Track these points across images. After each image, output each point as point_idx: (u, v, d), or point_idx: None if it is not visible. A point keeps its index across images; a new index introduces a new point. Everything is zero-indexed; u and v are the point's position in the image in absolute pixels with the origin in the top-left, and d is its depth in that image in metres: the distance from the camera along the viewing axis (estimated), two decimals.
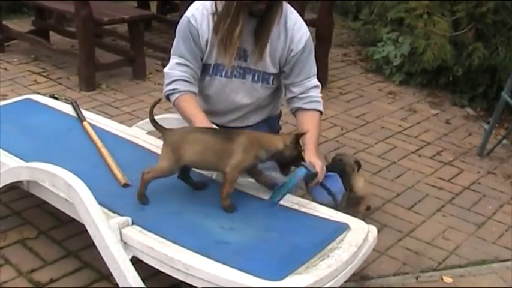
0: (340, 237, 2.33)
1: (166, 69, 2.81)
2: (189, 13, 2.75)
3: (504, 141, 4.19)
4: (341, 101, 4.95)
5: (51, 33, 5.82)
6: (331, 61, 5.42)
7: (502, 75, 4.61)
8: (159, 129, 2.45)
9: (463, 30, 4.85)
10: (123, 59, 5.15)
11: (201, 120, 2.68)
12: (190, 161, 2.41)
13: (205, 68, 2.82)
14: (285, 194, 2.53)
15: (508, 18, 4.69)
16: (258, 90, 2.85)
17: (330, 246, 2.26)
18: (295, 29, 2.74)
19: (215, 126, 2.68)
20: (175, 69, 2.76)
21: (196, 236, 2.27)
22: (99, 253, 2.26)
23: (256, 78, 2.81)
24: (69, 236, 2.87)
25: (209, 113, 2.87)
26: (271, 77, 2.83)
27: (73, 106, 3.27)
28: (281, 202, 2.53)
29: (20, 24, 6.12)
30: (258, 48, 2.71)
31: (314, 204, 2.56)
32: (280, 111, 3.16)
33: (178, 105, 2.77)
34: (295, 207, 2.52)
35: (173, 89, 2.76)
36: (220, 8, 2.66)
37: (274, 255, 2.19)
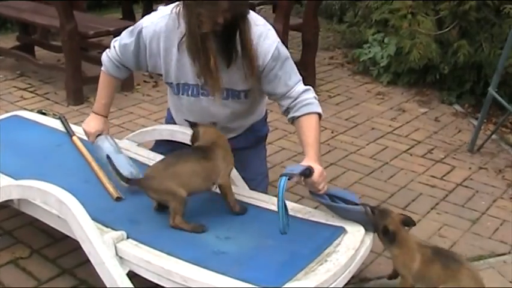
0: (337, 241, 2.32)
1: (113, 41, 2.86)
2: (146, 22, 2.67)
3: (493, 136, 4.20)
4: (330, 104, 4.94)
5: (36, 48, 5.78)
6: (318, 65, 5.43)
7: (488, 71, 4.63)
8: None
9: (447, 29, 4.87)
10: None
11: (98, 106, 2.90)
12: (184, 194, 2.37)
13: (169, 85, 2.79)
14: (284, 215, 2.31)
15: (490, 15, 4.72)
16: (229, 105, 2.74)
17: (327, 251, 2.26)
18: (259, 42, 2.56)
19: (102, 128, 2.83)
20: (114, 51, 2.82)
21: (193, 248, 2.26)
22: (95, 269, 2.24)
23: (225, 95, 2.68)
24: (63, 253, 2.84)
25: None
26: (242, 93, 2.71)
27: (61, 121, 3.25)
28: (276, 209, 2.50)
29: (4, 40, 6.10)
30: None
31: (309, 209, 2.56)
32: (266, 113, 3.09)
33: (100, 76, 2.93)
34: (291, 213, 2.48)
35: (105, 63, 2.88)
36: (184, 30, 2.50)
37: (272, 262, 2.18)
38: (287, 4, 4.78)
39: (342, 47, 6.49)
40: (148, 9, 6.55)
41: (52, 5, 4.83)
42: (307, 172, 2.41)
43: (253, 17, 2.59)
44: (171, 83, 2.75)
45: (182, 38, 2.52)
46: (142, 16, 6.36)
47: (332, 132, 4.39)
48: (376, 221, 2.41)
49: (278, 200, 2.28)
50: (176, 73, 2.67)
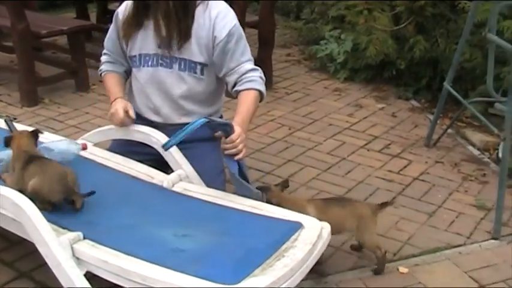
0: (294, 236, 2.31)
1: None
2: (119, 8, 2.95)
3: (449, 131, 4.27)
4: (287, 101, 4.97)
5: None
6: (275, 62, 5.45)
7: (444, 66, 4.69)
8: None
9: (403, 24, 4.93)
10: (64, 72, 5.06)
11: (114, 95, 2.93)
12: None
13: (132, 61, 2.92)
14: (179, 138, 2.51)
15: (445, 10, 4.79)
16: (186, 79, 2.85)
17: (284, 246, 2.25)
18: (219, 16, 2.77)
19: (125, 104, 2.87)
20: (103, 56, 3.07)
21: (151, 246, 2.23)
22: (52, 272, 2.20)
23: (182, 66, 2.82)
24: (20, 256, 2.80)
25: (152, 110, 2.94)
26: (198, 66, 2.83)
27: (6, 122, 3.19)
28: (234, 206, 2.52)
29: None
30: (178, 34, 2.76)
31: (266, 205, 2.55)
32: (221, 116, 3.11)
33: (103, 82, 3.10)
34: (248, 209, 2.50)
35: (100, 70, 3.08)
36: None
37: (229, 259, 2.16)
38: (242, 1, 4.78)
39: (298, 44, 6.52)
40: (102, 8, 6.51)
41: (2, 4, 4.74)
42: (228, 129, 2.54)
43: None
44: (134, 56, 2.89)
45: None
46: (97, 16, 6.42)
47: (289, 129, 4.41)
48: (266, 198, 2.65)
49: (186, 128, 2.48)
50: (139, 44, 2.85)
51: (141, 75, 2.91)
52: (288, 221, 2.42)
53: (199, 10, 2.78)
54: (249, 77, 2.82)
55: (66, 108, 4.67)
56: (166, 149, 2.61)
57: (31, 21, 4.59)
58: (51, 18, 5.32)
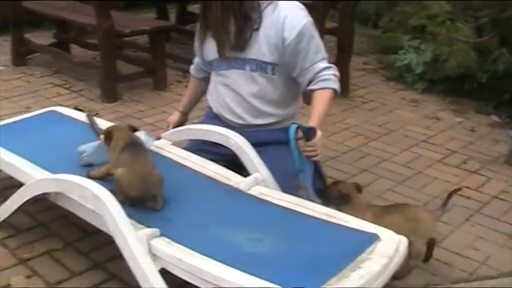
0: (370, 248, 2.28)
1: None
2: None
3: None
4: (363, 110, 4.92)
5: (71, 45, 5.84)
6: (352, 70, 5.38)
7: None
8: None
9: (486, 37, 4.81)
10: (144, 70, 5.16)
11: (179, 106, 3.32)
12: None
13: (210, 65, 3.04)
14: (298, 154, 2.69)
15: None
16: (257, 80, 2.87)
17: (360, 257, 2.21)
18: (288, 16, 2.76)
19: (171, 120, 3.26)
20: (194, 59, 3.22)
21: (225, 248, 2.24)
22: (125, 264, 2.24)
23: (254, 67, 2.85)
24: (95, 247, 2.85)
25: (228, 112, 2.97)
26: (269, 66, 2.84)
27: (88, 117, 3.28)
28: (309, 213, 2.50)
29: (41, 37, 6.14)
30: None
31: (343, 215, 2.52)
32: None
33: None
34: (323, 217, 2.48)
35: (190, 70, 3.28)
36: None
37: (304, 266, 2.15)
38: (323, 7, 4.76)
39: (376, 53, 6.45)
40: (181, 10, 6.59)
41: (89, 4, 4.86)
42: (311, 133, 2.65)
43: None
44: (211, 61, 2.97)
45: None
46: (176, 16, 6.51)
47: (365, 139, 4.36)
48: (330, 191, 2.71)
49: (290, 143, 2.65)
50: (213, 49, 2.89)
51: (217, 78, 2.98)
52: (365, 232, 2.39)
53: (268, 11, 2.80)
54: (324, 75, 2.81)
55: (144, 106, 4.75)
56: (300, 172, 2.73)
57: (115, 20, 4.68)
58: (134, 18, 5.43)
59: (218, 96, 3.00)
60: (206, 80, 3.15)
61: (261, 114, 2.94)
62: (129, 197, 2.43)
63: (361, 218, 2.50)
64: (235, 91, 2.92)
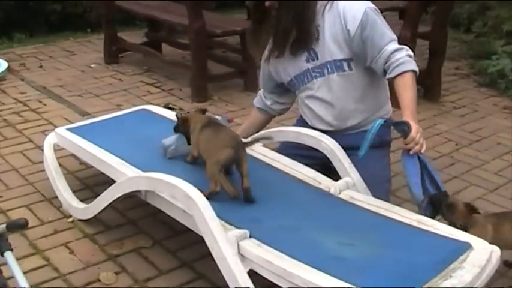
0: (462, 257, 2.22)
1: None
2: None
3: None
4: (454, 115, 4.80)
5: (163, 44, 5.95)
6: (443, 74, 5.25)
7: None
8: None
9: None
10: (234, 71, 5.20)
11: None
12: None
13: (291, 86, 3.01)
14: (367, 145, 2.52)
15: None
16: (335, 81, 2.84)
17: (452, 266, 2.16)
18: (346, 7, 2.74)
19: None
20: (260, 91, 3.31)
21: (313, 251, 2.23)
22: (213, 264, 2.26)
23: (331, 68, 2.83)
24: (183, 246, 2.90)
25: (318, 120, 2.97)
26: (344, 63, 2.82)
27: (177, 116, 3.32)
28: (400, 219, 2.46)
29: (133, 36, 6.31)
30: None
31: (434, 221, 2.47)
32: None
33: None
34: (414, 224, 2.44)
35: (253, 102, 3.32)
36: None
37: (394, 273, 2.11)
38: (416, 11, 4.68)
39: (468, 58, 6.27)
40: None
41: (181, 3, 4.94)
42: (405, 128, 2.52)
43: None
44: (291, 81, 2.96)
45: None
46: None
47: (456, 145, 4.25)
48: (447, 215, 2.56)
49: (369, 133, 2.52)
50: (289, 69, 2.93)
51: (302, 94, 2.99)
52: (457, 240, 2.33)
53: (326, 11, 2.79)
54: (397, 60, 2.70)
55: (234, 106, 4.78)
56: (361, 157, 2.56)
57: (206, 21, 4.73)
58: (225, 19, 5.48)
59: (308, 110, 2.99)
60: (264, 113, 3.28)
61: (350, 115, 2.91)
62: (222, 163, 2.50)
63: (484, 234, 2.47)
64: (321, 99, 2.90)
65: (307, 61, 2.85)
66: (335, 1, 2.79)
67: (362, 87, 2.88)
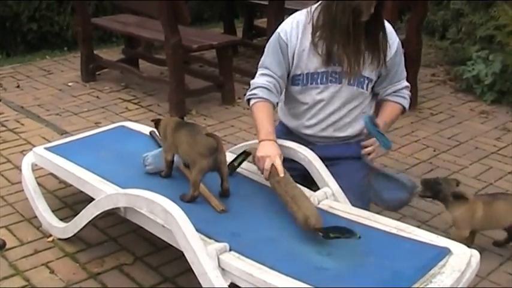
0: (442, 262, 2.24)
1: (252, 80, 2.90)
2: (280, 28, 2.87)
3: None
4: (432, 121, 4.84)
5: (140, 61, 5.95)
6: (419, 81, 5.32)
7: None
8: None
9: None
10: (212, 85, 5.19)
11: (265, 133, 2.73)
12: None
13: (293, 80, 2.89)
14: (380, 135, 2.85)
15: None
16: (347, 92, 2.86)
17: (432, 272, 2.19)
18: (388, 33, 2.83)
19: (278, 154, 2.68)
20: (259, 79, 2.87)
21: (294, 262, 2.24)
22: (195, 279, 2.25)
23: (352, 81, 2.85)
24: (164, 262, 2.90)
25: (307, 127, 2.95)
26: (366, 81, 2.87)
27: (151, 134, 3.33)
28: (379, 227, 2.49)
29: (110, 53, 6.31)
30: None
31: (413, 228, 2.49)
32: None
33: (252, 110, 2.85)
34: (394, 231, 2.46)
35: (253, 94, 2.85)
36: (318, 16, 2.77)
37: (375, 281, 2.13)
38: (390, 19, 4.71)
39: (444, 64, 6.33)
40: (248, 24, 6.65)
41: (157, 19, 4.95)
42: (385, 140, 2.85)
43: None
44: (299, 75, 2.86)
45: (316, 30, 2.75)
46: (243, 31, 6.57)
47: (434, 151, 4.29)
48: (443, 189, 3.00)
49: (369, 129, 2.83)
50: (307, 63, 2.82)
51: (306, 93, 2.90)
52: (436, 245, 2.35)
53: None
54: (402, 93, 2.99)
55: (212, 120, 4.79)
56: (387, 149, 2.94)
57: (182, 36, 4.74)
58: (201, 33, 5.49)
59: (301, 113, 2.94)
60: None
61: (342, 127, 2.93)
62: (205, 171, 2.57)
63: (473, 211, 2.91)
64: (321, 99, 2.87)
65: (333, 64, 2.80)
66: None
67: (362, 107, 2.93)
